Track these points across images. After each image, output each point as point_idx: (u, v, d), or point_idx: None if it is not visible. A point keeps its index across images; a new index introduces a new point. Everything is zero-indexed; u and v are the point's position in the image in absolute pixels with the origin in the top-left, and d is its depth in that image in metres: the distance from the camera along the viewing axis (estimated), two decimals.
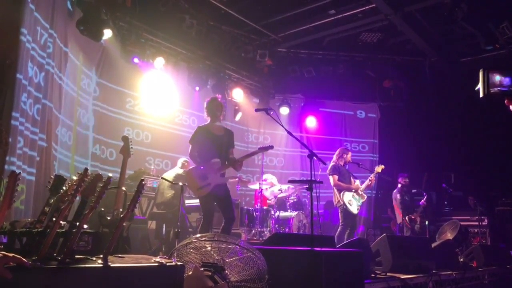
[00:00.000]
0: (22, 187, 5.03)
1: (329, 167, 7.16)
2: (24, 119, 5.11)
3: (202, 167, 4.93)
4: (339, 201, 7.01)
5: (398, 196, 8.23)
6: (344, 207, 6.95)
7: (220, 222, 5.09)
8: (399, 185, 8.36)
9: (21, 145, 5.03)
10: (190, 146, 5.07)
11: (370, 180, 7.22)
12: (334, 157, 7.35)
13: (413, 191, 8.53)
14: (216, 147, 5.03)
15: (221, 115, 5.25)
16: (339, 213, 7.07)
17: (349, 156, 7.32)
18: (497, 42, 8.03)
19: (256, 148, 5.43)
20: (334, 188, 7.09)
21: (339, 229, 6.90)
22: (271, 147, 5.43)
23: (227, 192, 5.05)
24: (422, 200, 8.17)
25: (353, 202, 6.97)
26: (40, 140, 5.52)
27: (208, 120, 5.22)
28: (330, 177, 7.07)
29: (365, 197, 7.16)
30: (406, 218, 8.00)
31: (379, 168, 7.31)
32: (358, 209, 6.98)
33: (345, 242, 4.72)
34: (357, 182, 7.16)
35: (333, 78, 9.61)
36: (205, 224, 4.91)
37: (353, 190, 7.03)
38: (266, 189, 8.05)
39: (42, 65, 5.58)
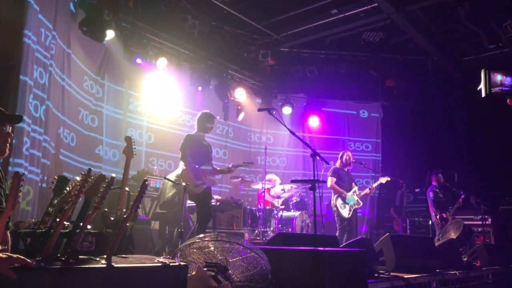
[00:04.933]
0: (28, 188, 5.03)
1: (330, 169, 7.19)
2: (31, 120, 5.12)
3: (197, 167, 5.49)
4: (334, 204, 7.06)
5: (431, 194, 8.12)
6: (335, 209, 6.99)
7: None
8: (432, 183, 8.24)
9: (28, 146, 5.04)
10: (181, 152, 5.54)
11: (369, 189, 7.18)
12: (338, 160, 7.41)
13: (416, 190, 8.49)
14: (208, 155, 5.77)
15: (210, 129, 5.90)
16: (335, 217, 7.10)
17: (346, 157, 7.29)
18: (500, 41, 7.98)
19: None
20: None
21: (337, 234, 6.90)
22: (251, 163, 6.72)
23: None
24: (459, 199, 7.93)
25: (345, 206, 6.97)
26: (45, 141, 5.53)
27: (195, 129, 5.71)
28: (328, 178, 7.12)
29: (361, 204, 7.08)
30: (438, 217, 7.88)
31: (383, 179, 7.19)
32: (349, 214, 6.92)
33: (345, 243, 4.73)
34: (355, 188, 7.14)
35: (335, 77, 9.59)
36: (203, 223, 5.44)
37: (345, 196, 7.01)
38: (269, 189, 8.04)
39: (47, 66, 5.58)
